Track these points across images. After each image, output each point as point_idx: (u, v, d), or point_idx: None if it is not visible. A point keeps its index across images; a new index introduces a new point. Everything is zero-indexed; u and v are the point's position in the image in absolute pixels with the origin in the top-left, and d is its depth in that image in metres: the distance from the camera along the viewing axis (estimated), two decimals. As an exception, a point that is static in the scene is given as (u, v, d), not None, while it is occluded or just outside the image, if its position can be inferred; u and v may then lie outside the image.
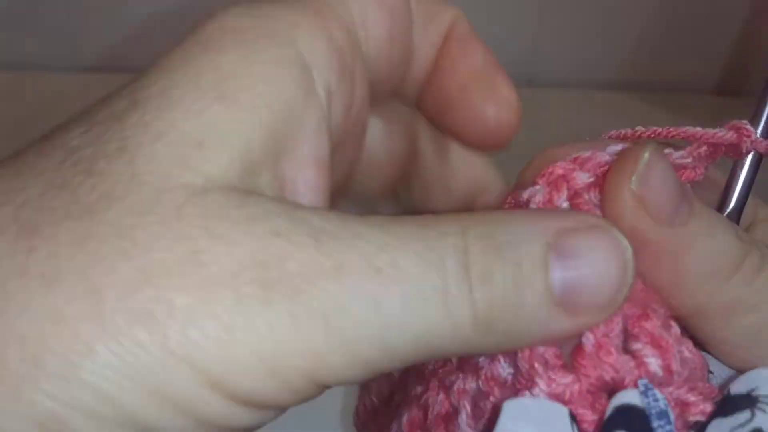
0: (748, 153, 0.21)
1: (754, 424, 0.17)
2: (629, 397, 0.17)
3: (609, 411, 0.17)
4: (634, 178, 0.18)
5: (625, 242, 0.17)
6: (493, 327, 0.17)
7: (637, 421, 0.16)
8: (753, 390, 0.17)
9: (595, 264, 0.17)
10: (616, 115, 0.64)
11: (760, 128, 0.21)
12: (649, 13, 0.66)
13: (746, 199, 0.22)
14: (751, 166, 0.21)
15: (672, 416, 0.17)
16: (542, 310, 0.17)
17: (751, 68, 0.69)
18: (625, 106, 0.66)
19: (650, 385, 0.17)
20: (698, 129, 0.20)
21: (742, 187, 0.21)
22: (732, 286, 0.19)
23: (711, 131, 0.20)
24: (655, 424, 0.16)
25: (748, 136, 0.20)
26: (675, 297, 0.19)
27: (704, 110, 0.64)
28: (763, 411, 0.17)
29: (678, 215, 0.18)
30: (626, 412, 0.17)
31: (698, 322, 0.19)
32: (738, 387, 0.18)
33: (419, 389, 0.21)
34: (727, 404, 0.17)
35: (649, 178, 0.18)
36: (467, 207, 0.26)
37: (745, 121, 0.21)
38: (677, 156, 0.20)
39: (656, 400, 0.17)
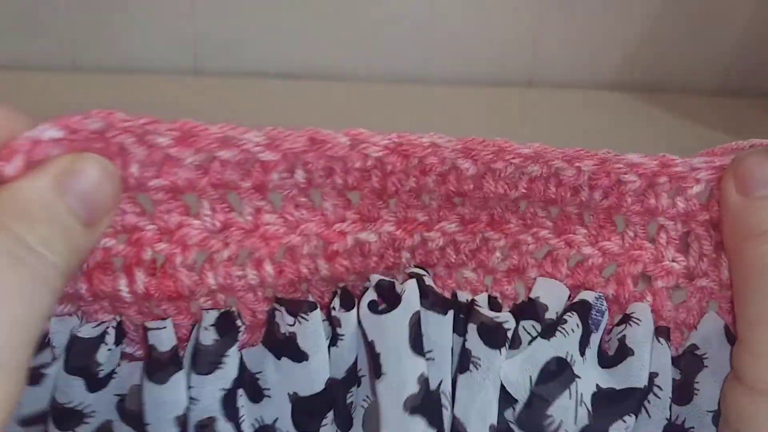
0: None
1: (624, 332, 0.27)
2: (587, 295, 0.28)
3: (575, 299, 0.28)
4: (734, 159, 0.27)
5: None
6: None
7: (584, 308, 0.27)
8: (632, 313, 0.28)
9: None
10: (616, 116, 0.64)
11: None
12: (649, 14, 0.66)
13: None
14: None
15: (606, 316, 0.28)
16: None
17: (751, 69, 0.69)
18: (625, 106, 0.66)
19: (602, 296, 0.28)
20: None
21: None
22: (756, 249, 0.25)
23: None
24: (593, 312, 0.27)
25: None
26: (728, 247, 0.27)
27: (704, 111, 0.65)
28: (630, 325, 0.27)
29: (752, 191, 0.26)
30: (582, 302, 0.28)
31: (736, 275, 0.26)
32: (627, 310, 0.28)
33: None
34: (620, 320, 0.28)
35: (742, 162, 0.26)
36: None
37: None
38: None
39: (603, 303, 0.28)
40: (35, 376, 0.25)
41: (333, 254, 0.27)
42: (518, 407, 0.26)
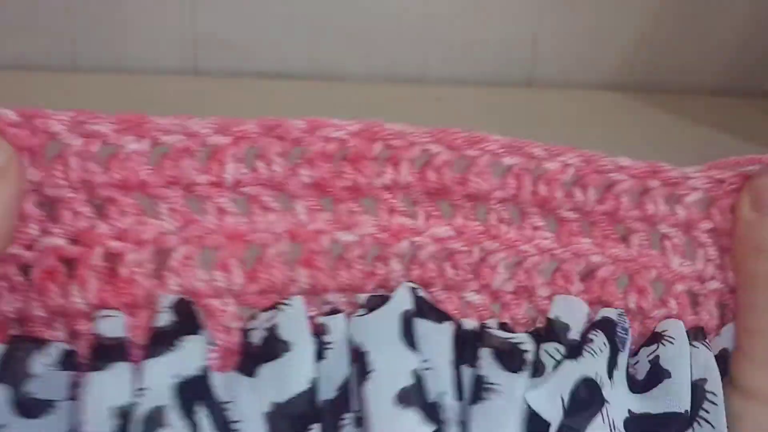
0: None
1: (656, 352, 0.26)
2: (609, 312, 0.26)
3: (597, 317, 0.26)
4: (753, 175, 0.27)
5: None
6: None
7: (609, 327, 0.26)
8: (664, 331, 0.26)
9: None
10: (616, 116, 0.64)
11: None
12: (649, 14, 0.66)
13: None
14: None
15: (630, 333, 0.26)
16: None
17: (751, 69, 0.69)
18: (625, 106, 0.66)
19: (624, 312, 0.27)
20: None
21: None
22: (761, 264, 0.26)
23: None
24: (618, 329, 0.26)
25: None
26: (736, 258, 0.27)
27: (704, 111, 0.64)
28: (663, 344, 0.26)
29: (763, 208, 0.26)
30: (606, 320, 0.26)
31: (740, 286, 0.27)
32: (658, 327, 0.27)
33: None
34: (649, 338, 0.27)
35: (758, 180, 0.27)
36: None
37: None
38: None
39: (626, 320, 0.26)
40: None
41: (310, 259, 0.24)
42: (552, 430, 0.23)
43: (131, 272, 0.23)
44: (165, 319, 0.22)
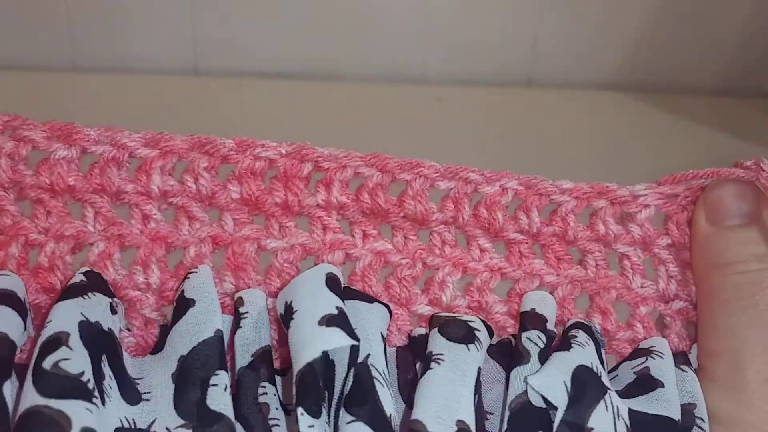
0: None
1: (645, 364, 0.26)
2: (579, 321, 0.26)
3: (569, 323, 0.26)
4: (706, 188, 0.27)
5: None
6: None
7: (585, 327, 0.26)
8: (652, 347, 0.26)
9: None
10: (616, 116, 0.64)
11: None
12: (649, 14, 0.66)
13: None
14: None
15: (604, 341, 0.26)
16: None
17: (751, 69, 0.69)
18: (625, 106, 0.66)
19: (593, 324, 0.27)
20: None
21: None
22: (719, 279, 0.26)
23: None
24: (595, 332, 0.26)
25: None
26: (695, 274, 0.27)
27: (704, 111, 0.64)
28: (653, 358, 0.26)
29: (721, 221, 0.26)
30: (579, 323, 0.26)
31: (700, 303, 0.26)
32: (643, 344, 0.27)
33: None
34: (633, 353, 0.27)
35: (713, 192, 0.26)
36: None
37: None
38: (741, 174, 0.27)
39: (599, 330, 0.27)
40: None
41: (235, 261, 0.25)
42: (558, 416, 0.23)
43: (49, 260, 0.24)
44: (77, 279, 0.24)
